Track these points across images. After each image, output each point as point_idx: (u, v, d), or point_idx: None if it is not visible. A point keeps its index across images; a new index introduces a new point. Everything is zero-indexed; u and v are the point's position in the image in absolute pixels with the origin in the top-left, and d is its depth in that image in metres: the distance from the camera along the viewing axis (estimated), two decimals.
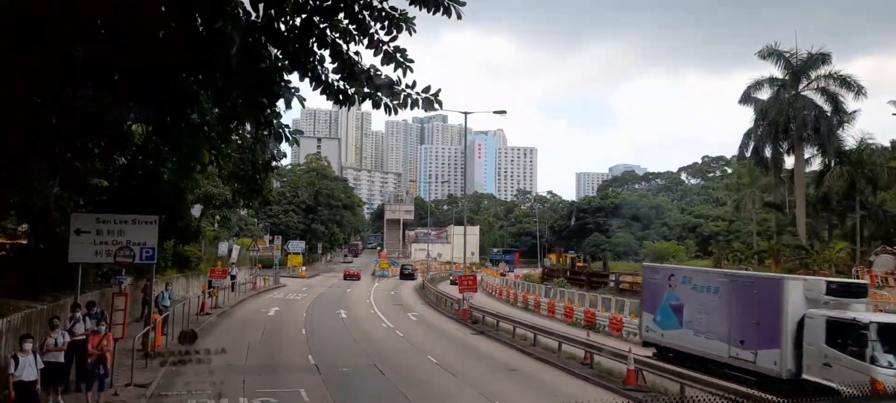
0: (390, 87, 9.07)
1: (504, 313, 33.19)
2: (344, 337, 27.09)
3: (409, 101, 8.96)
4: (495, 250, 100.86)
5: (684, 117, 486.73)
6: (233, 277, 38.59)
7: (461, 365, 21.15)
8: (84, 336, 14.35)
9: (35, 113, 10.77)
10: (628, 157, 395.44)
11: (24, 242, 22.05)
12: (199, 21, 8.34)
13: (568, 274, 56.36)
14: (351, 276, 69.19)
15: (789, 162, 50.02)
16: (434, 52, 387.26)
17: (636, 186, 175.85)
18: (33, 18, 8.00)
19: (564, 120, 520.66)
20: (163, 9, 8.01)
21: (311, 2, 8.45)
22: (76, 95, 10.88)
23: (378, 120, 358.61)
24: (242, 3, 8.38)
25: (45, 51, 8.61)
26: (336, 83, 9.17)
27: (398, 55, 8.70)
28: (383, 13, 8.51)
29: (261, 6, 8.36)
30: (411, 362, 21.87)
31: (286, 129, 9.74)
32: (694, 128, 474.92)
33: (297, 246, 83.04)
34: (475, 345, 26.39)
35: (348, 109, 11.24)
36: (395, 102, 9.09)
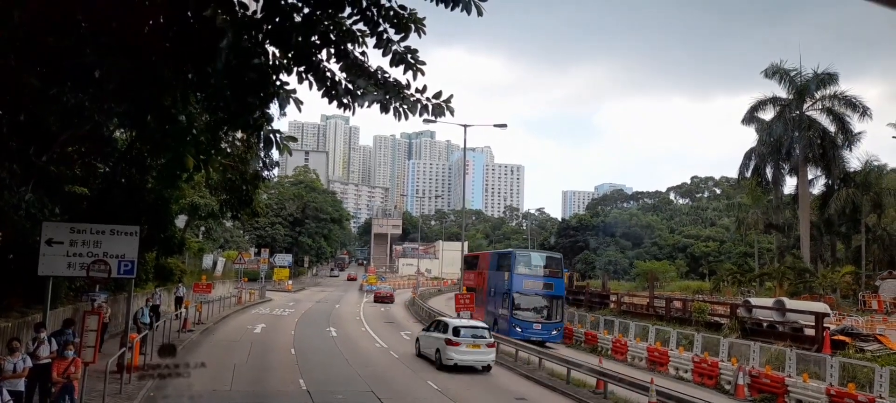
0: (400, 90, 8.30)
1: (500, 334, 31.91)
2: (336, 358, 25.51)
3: (419, 106, 8.23)
4: None
5: (668, 138, 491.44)
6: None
7: (464, 392, 19.65)
8: (49, 360, 12.72)
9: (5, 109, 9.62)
10: (613, 176, 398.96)
11: None
12: (190, 12, 7.28)
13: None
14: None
15: (790, 183, 49.12)
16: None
17: (625, 205, 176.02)
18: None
19: (550, 138, 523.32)
20: None
21: None
22: (49, 92, 9.61)
23: (366, 134, 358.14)
24: None
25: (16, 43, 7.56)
26: (343, 82, 8.23)
27: (409, 56, 7.99)
28: (392, 12, 7.75)
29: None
30: (410, 387, 20.31)
31: (278, 135, 8.66)
32: (677, 148, 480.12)
33: (285, 259, 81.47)
34: None
35: (353, 113, 10.34)
36: (404, 107, 8.27)
